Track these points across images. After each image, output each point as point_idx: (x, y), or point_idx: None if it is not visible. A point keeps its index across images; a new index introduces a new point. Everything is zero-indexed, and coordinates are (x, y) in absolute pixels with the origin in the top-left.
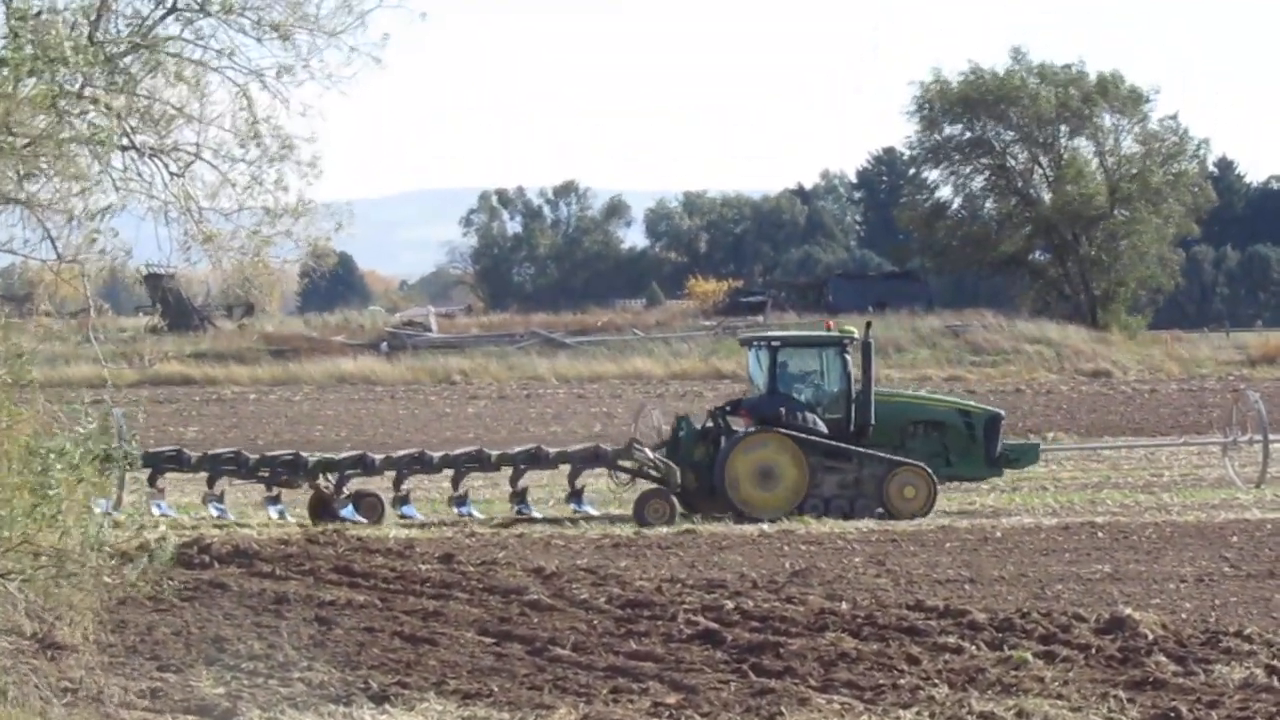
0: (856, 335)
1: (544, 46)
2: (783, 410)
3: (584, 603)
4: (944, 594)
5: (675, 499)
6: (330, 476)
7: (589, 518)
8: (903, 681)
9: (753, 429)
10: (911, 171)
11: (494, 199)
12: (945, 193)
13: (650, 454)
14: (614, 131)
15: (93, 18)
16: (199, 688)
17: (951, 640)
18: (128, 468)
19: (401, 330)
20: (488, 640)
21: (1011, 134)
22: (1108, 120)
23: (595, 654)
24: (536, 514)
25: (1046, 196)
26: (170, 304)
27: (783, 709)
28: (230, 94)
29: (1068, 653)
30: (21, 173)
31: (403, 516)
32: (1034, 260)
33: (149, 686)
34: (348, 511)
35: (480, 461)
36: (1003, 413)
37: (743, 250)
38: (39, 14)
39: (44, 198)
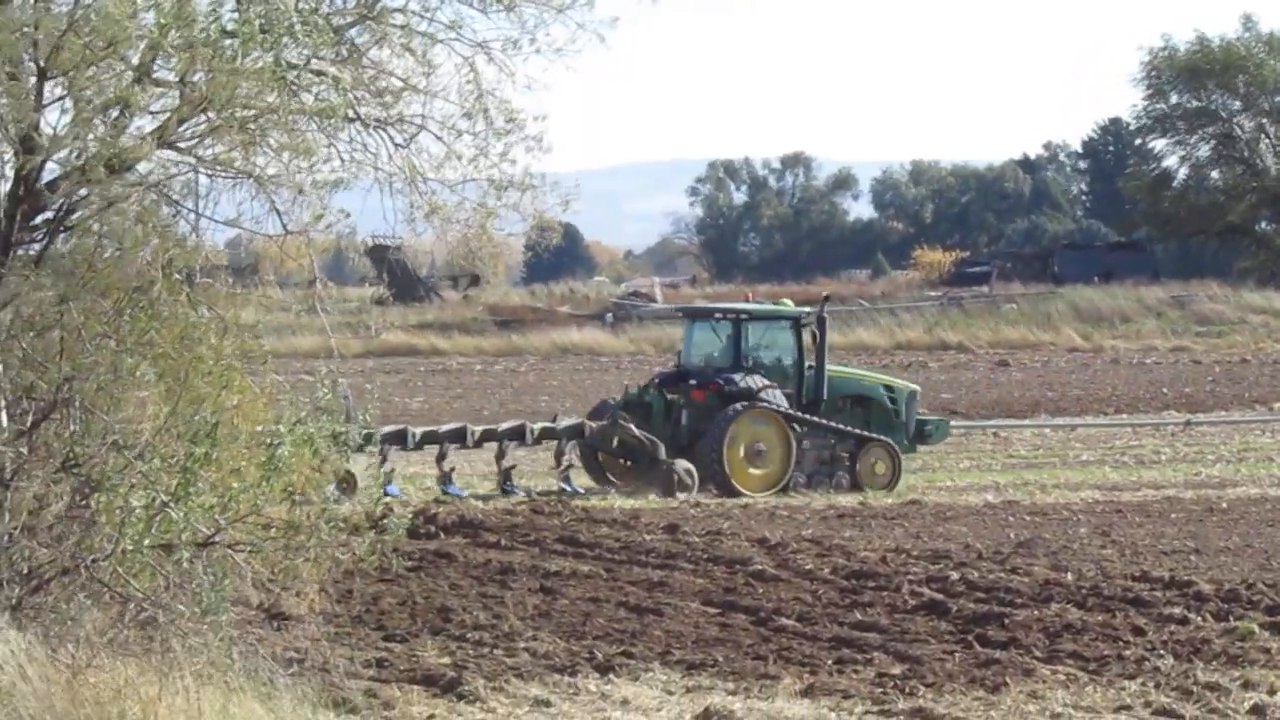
0: (803, 309)
1: (770, 18)
2: (753, 385)
3: (809, 573)
4: (1169, 565)
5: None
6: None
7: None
8: (1128, 653)
9: (746, 405)
10: (1137, 141)
11: (721, 169)
12: (1171, 162)
13: (635, 429)
14: (841, 102)
15: None
16: (424, 658)
17: (1177, 611)
18: (360, 441)
19: (626, 301)
20: (712, 610)
21: (1238, 103)
22: None
23: (820, 624)
24: (520, 491)
25: (1273, 166)
26: (396, 275)
27: (1007, 680)
28: (456, 66)
29: None
30: (248, 146)
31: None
32: (1260, 230)
33: (374, 656)
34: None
35: (460, 439)
36: (919, 388)
37: (968, 220)
38: None
39: (270, 171)
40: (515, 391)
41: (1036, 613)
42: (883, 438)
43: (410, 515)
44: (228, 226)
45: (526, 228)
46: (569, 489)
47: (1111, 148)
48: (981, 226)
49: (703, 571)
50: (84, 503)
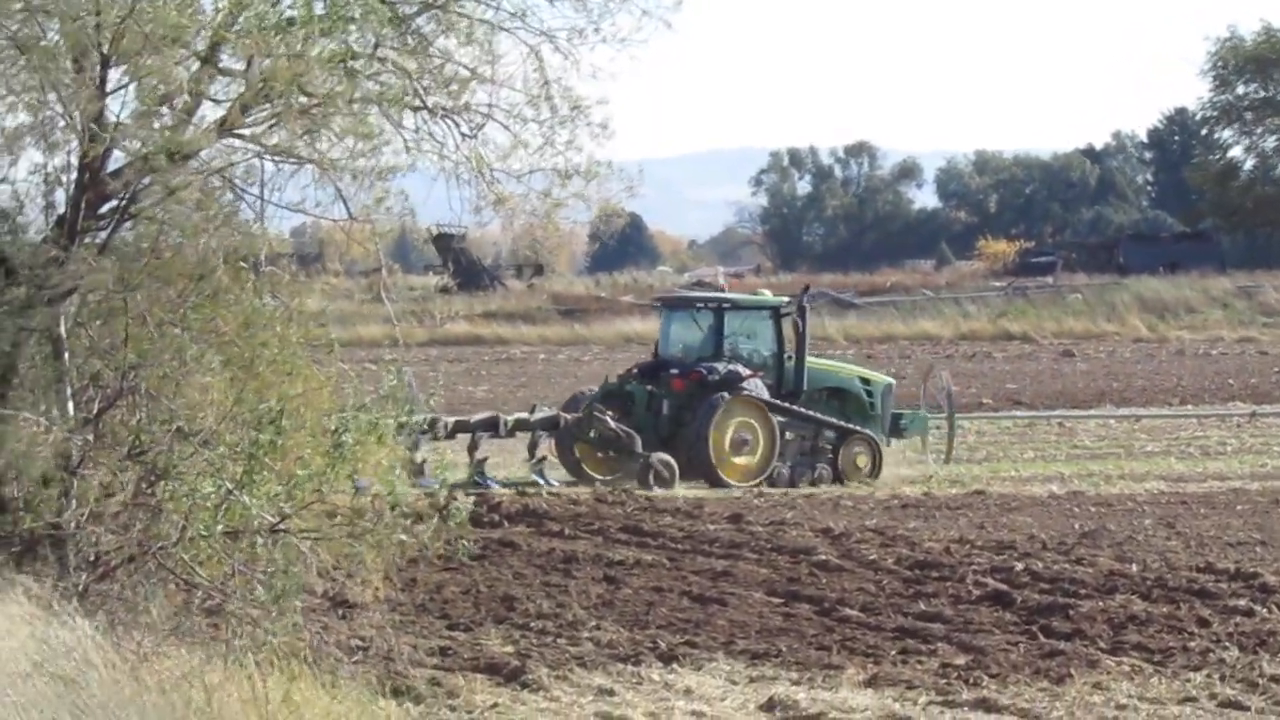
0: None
1: (834, 6)
2: (734, 375)
3: (872, 563)
4: (1235, 556)
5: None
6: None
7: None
8: (1193, 644)
9: (730, 394)
10: (1204, 131)
11: (785, 159)
12: (1237, 153)
13: (612, 422)
14: (906, 91)
15: None
16: (488, 646)
17: (1242, 603)
18: (424, 429)
19: (691, 291)
20: (776, 600)
21: None
22: None
23: (884, 615)
24: (494, 483)
25: None
26: (460, 264)
27: (1072, 671)
28: (521, 55)
29: None
30: (313, 132)
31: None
32: None
33: (438, 645)
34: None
35: (492, 427)
36: (894, 381)
37: (1032, 210)
38: None
39: (335, 157)
40: (578, 381)
41: (1101, 604)
42: (864, 430)
43: (474, 503)
44: (292, 212)
45: (592, 216)
46: (542, 482)
47: (1177, 138)
48: (1046, 216)
49: (767, 561)
50: (150, 490)
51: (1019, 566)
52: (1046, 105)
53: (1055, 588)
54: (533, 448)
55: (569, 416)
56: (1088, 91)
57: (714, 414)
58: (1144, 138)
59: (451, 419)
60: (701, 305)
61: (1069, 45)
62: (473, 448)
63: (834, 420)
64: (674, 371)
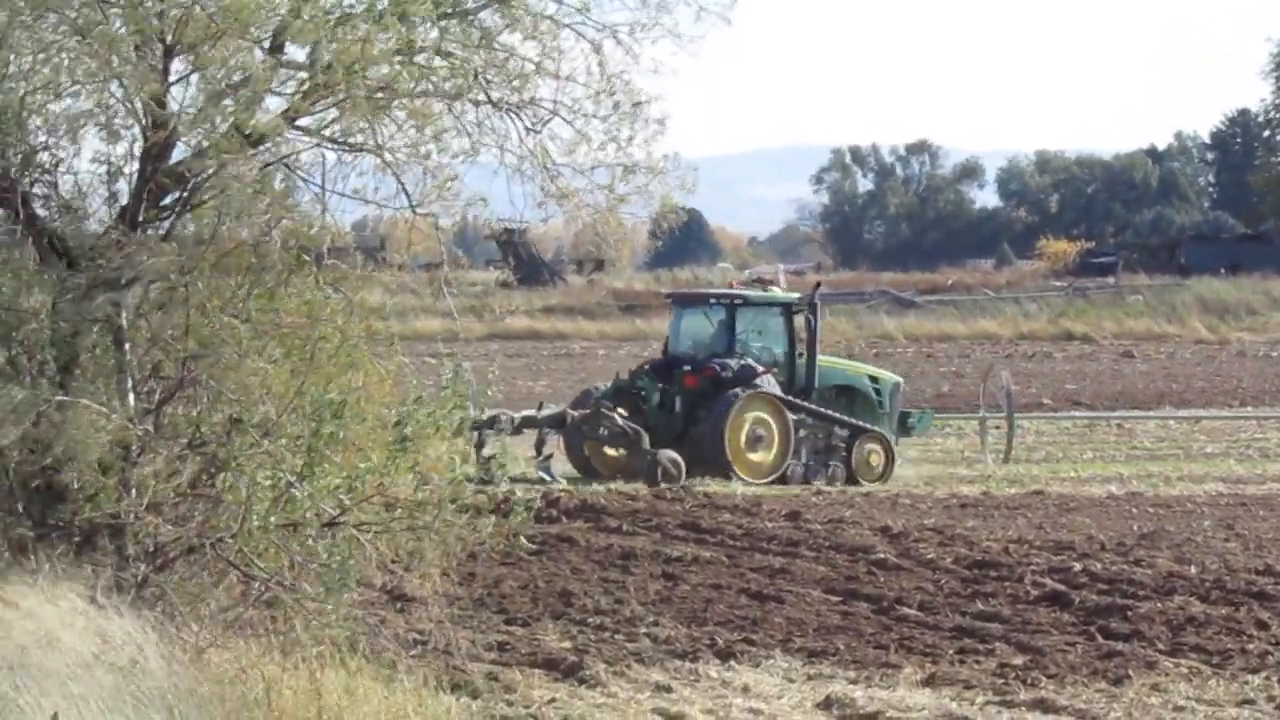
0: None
1: (896, 3)
2: (749, 371)
3: (930, 562)
4: None
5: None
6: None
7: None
8: (1251, 646)
9: (745, 391)
10: (1266, 133)
11: (846, 156)
12: None
13: (619, 419)
14: (968, 90)
15: None
16: (546, 641)
17: None
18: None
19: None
20: (834, 598)
21: None
22: None
23: (941, 614)
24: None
25: None
26: (521, 258)
27: (1130, 672)
28: (583, 51)
29: None
30: (376, 124)
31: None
32: None
33: (496, 640)
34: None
35: (561, 424)
36: (902, 380)
37: (1094, 210)
38: None
39: (398, 149)
40: None
41: (1159, 605)
42: (876, 429)
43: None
44: (354, 203)
45: (652, 212)
46: (548, 478)
47: (1239, 139)
48: (1108, 217)
49: (824, 559)
50: (210, 481)
51: (1077, 567)
52: (1110, 106)
53: (1114, 589)
54: (540, 445)
55: (576, 413)
56: (1151, 92)
57: (730, 410)
58: (1206, 139)
59: (518, 414)
60: (715, 301)
61: (1133, 45)
62: (539, 443)
63: (847, 418)
64: (687, 368)
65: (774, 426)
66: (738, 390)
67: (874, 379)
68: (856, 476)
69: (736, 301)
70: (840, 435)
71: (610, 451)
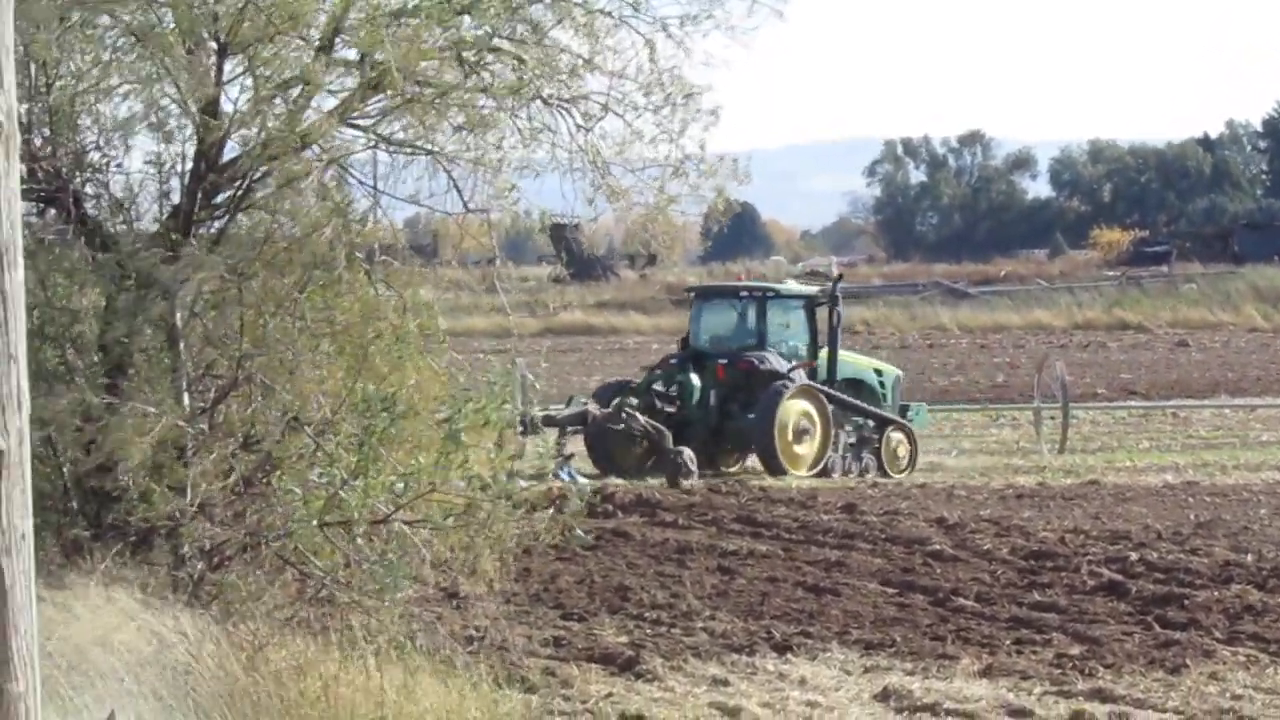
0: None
1: None
2: (782, 365)
3: (987, 553)
4: None
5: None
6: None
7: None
8: None
9: (791, 383)
10: None
11: (899, 148)
12: None
13: (641, 418)
14: (1019, 80)
15: None
16: (602, 636)
17: None
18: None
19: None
20: (890, 590)
21: None
22: None
23: (998, 605)
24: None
25: None
26: (573, 254)
27: (1187, 661)
28: (634, 45)
29: None
30: (427, 123)
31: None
32: None
33: (553, 635)
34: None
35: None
36: (901, 373)
37: (1147, 200)
38: None
39: (450, 148)
40: None
41: (1217, 594)
42: (901, 420)
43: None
44: (407, 204)
45: (704, 209)
46: (564, 478)
47: None
48: (1160, 206)
49: (880, 551)
50: (264, 480)
51: (1134, 557)
52: (1162, 94)
53: (1170, 578)
54: (560, 444)
55: (597, 412)
56: (1203, 80)
57: (779, 403)
58: (1258, 127)
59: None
60: (745, 295)
61: (1185, 34)
62: (559, 443)
63: (876, 410)
64: (721, 361)
65: (817, 419)
66: (781, 384)
67: (879, 372)
68: (886, 467)
69: (768, 294)
70: (869, 427)
71: (637, 450)
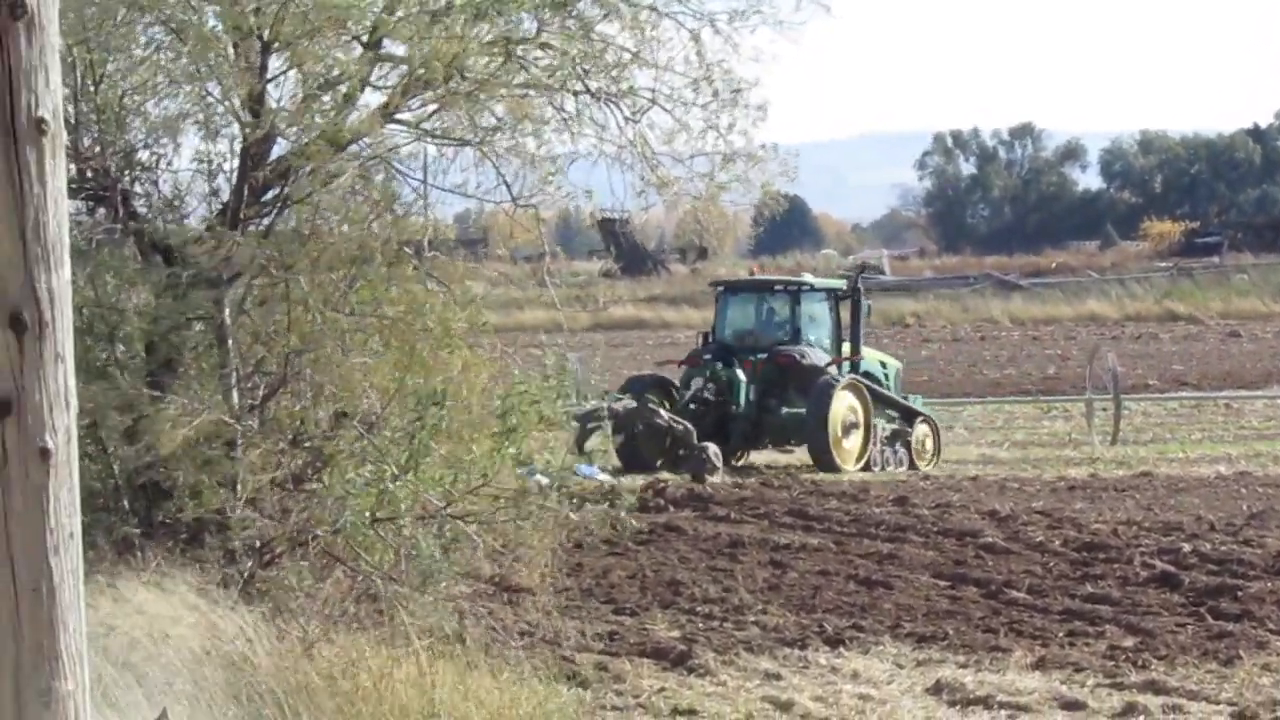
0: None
1: None
2: (820, 359)
3: (1039, 545)
4: None
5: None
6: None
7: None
8: None
9: (840, 378)
10: None
11: (949, 141)
12: None
13: (664, 414)
14: (1069, 72)
15: None
16: (654, 631)
17: None
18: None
19: (852, 274)
20: (942, 583)
21: None
22: None
23: (1050, 597)
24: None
25: None
26: (624, 248)
27: (1240, 653)
28: (681, 40)
29: None
30: (475, 116)
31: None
32: None
33: (605, 629)
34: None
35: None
36: (901, 365)
37: (1198, 190)
38: None
39: (497, 141)
40: None
41: (1270, 585)
42: (926, 412)
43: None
44: (455, 196)
45: (754, 200)
46: (585, 473)
47: None
48: (1212, 196)
49: (933, 544)
50: (314, 476)
51: (1187, 548)
52: (1212, 85)
53: (1223, 569)
54: (582, 440)
55: (620, 408)
56: (1254, 71)
57: (830, 397)
58: None
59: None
60: (780, 289)
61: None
62: (582, 438)
63: (906, 403)
64: (761, 356)
65: (861, 413)
66: (830, 379)
67: (883, 364)
68: (914, 459)
69: (803, 288)
70: (899, 420)
71: (659, 446)
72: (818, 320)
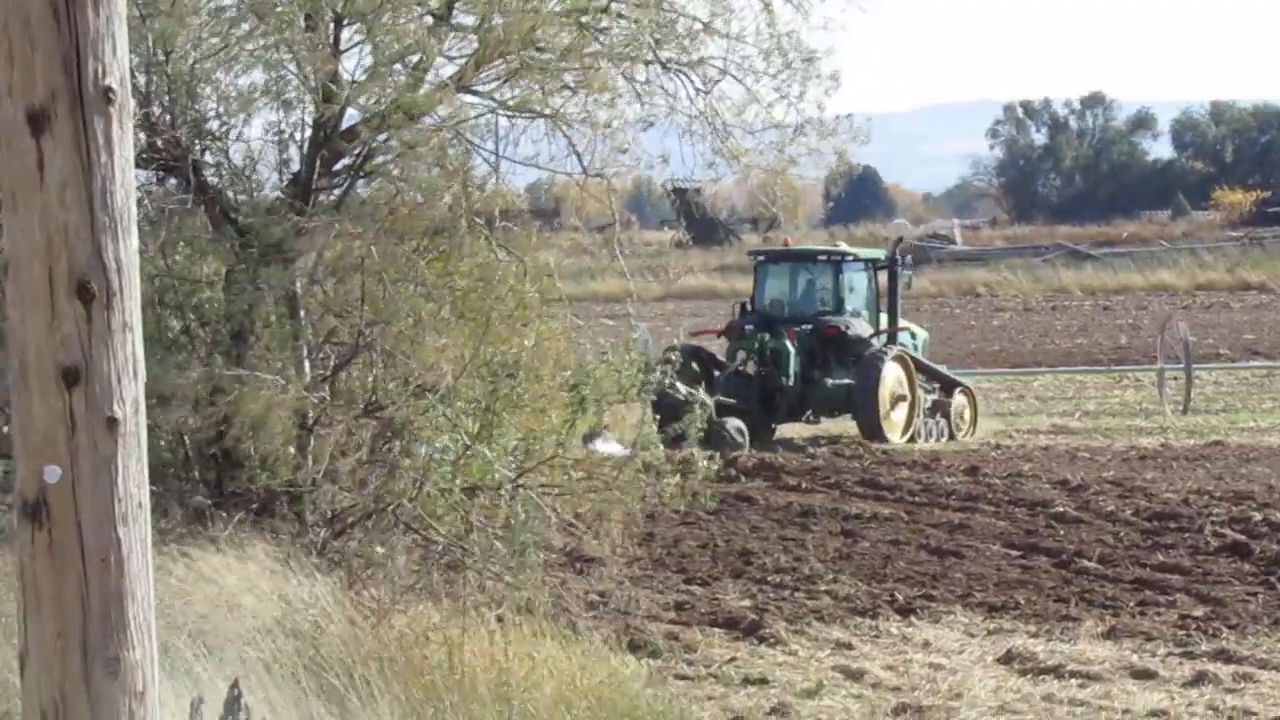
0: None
1: None
2: (864, 330)
3: (1110, 515)
4: None
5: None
6: None
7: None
8: None
9: (889, 349)
10: None
11: (1019, 111)
12: None
13: (683, 388)
14: (1141, 41)
15: None
16: (725, 600)
17: None
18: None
19: (925, 243)
20: (1013, 553)
21: None
22: None
23: (1121, 566)
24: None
25: None
26: (695, 218)
27: None
28: (753, 9)
29: None
30: (547, 87)
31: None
32: None
33: (676, 599)
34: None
35: None
36: (928, 334)
37: (1269, 160)
38: None
39: (570, 112)
40: None
41: None
42: (965, 382)
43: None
44: (527, 168)
45: (826, 170)
46: (594, 448)
47: None
48: None
49: (1004, 514)
50: (386, 447)
51: (1257, 517)
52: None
53: None
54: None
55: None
56: None
57: (880, 370)
58: None
59: None
60: (824, 259)
61: None
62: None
63: (946, 373)
64: (806, 326)
65: (907, 384)
66: (878, 350)
67: (913, 334)
68: (954, 430)
69: (845, 258)
70: (939, 390)
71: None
72: (856, 290)
